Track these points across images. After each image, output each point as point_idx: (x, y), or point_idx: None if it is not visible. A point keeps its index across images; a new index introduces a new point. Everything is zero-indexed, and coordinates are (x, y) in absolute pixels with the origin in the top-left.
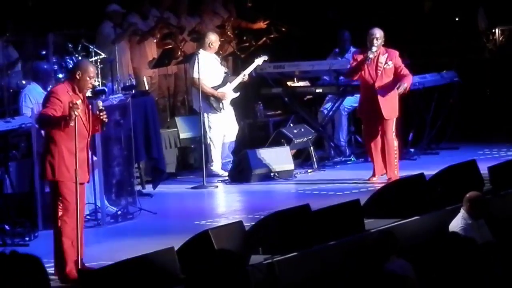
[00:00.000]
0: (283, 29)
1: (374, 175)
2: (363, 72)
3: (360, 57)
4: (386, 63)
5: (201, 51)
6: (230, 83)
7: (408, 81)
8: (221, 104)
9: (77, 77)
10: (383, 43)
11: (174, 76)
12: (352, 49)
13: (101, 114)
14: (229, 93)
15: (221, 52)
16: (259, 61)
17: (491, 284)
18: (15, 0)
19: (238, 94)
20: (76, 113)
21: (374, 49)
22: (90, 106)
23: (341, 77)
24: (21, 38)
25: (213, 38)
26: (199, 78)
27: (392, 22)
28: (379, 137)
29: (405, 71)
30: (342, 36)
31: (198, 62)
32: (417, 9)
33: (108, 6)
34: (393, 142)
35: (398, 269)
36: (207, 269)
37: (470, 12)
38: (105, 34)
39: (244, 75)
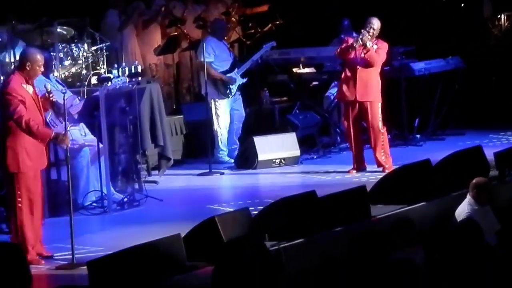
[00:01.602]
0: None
1: (353, 167)
2: (350, 55)
3: (351, 40)
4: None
5: (210, 37)
6: (238, 68)
7: (371, 54)
8: (228, 89)
9: (27, 68)
10: (377, 34)
11: (179, 64)
12: (346, 21)
13: (50, 95)
14: (237, 78)
15: (225, 38)
16: (267, 46)
17: (493, 268)
18: None
19: (246, 79)
20: (65, 146)
21: (361, 42)
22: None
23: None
24: (27, 27)
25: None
26: (204, 61)
27: (398, 9)
28: (358, 126)
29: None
30: (343, 25)
31: (204, 47)
32: None
33: None
34: (380, 132)
35: (407, 257)
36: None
37: None
38: (110, 22)
39: (253, 60)
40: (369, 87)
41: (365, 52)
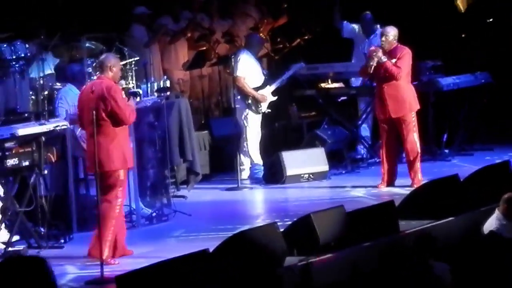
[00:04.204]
0: (317, 29)
1: (382, 182)
2: (372, 71)
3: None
4: (390, 60)
5: (244, 50)
6: (270, 86)
7: (387, 67)
8: (259, 107)
9: (112, 71)
10: (395, 40)
11: (208, 78)
12: (379, 29)
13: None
14: (268, 96)
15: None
16: (296, 67)
17: None
18: (47, 5)
19: (276, 98)
20: None
21: (376, 59)
22: None
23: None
24: (55, 42)
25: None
26: (237, 75)
27: (425, 23)
28: (392, 142)
29: (394, 65)
30: (365, 19)
31: (238, 61)
32: (450, 10)
33: (135, 9)
34: (415, 144)
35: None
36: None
37: (503, 12)
38: (137, 37)
39: (282, 80)
40: (400, 101)
41: (381, 66)
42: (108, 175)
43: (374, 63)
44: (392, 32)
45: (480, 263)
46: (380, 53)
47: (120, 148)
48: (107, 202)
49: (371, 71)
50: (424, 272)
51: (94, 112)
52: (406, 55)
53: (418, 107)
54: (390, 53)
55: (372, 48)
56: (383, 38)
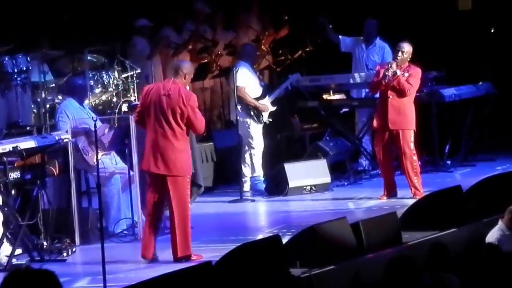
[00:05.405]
0: (319, 41)
1: (384, 193)
2: (381, 87)
3: (382, 71)
4: (403, 75)
5: (241, 61)
6: (269, 96)
7: (400, 82)
8: (261, 116)
9: (185, 78)
10: (409, 58)
11: (210, 90)
12: (379, 40)
13: None
14: (268, 105)
15: (254, 66)
16: (293, 77)
17: None
18: (50, 17)
19: (275, 107)
20: None
21: (391, 71)
22: None
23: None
24: (57, 55)
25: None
26: (237, 86)
27: (428, 34)
28: (387, 154)
29: (406, 81)
30: (369, 24)
31: (237, 72)
32: (453, 21)
33: (137, 21)
34: (412, 157)
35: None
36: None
37: (505, 23)
38: (139, 49)
39: (280, 91)
40: (402, 115)
41: (394, 79)
42: (176, 180)
43: (389, 74)
44: (408, 49)
45: (483, 275)
46: (394, 66)
47: (186, 154)
48: (183, 204)
49: (385, 82)
50: (433, 285)
51: (170, 115)
52: (417, 74)
53: (414, 127)
54: (401, 69)
55: (389, 62)
56: (399, 54)
